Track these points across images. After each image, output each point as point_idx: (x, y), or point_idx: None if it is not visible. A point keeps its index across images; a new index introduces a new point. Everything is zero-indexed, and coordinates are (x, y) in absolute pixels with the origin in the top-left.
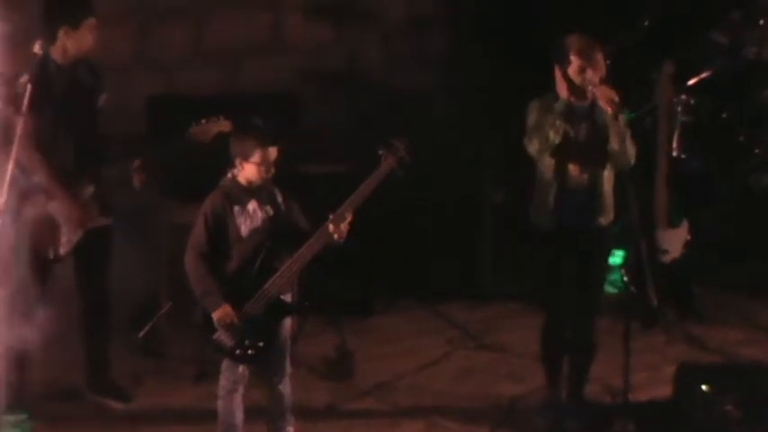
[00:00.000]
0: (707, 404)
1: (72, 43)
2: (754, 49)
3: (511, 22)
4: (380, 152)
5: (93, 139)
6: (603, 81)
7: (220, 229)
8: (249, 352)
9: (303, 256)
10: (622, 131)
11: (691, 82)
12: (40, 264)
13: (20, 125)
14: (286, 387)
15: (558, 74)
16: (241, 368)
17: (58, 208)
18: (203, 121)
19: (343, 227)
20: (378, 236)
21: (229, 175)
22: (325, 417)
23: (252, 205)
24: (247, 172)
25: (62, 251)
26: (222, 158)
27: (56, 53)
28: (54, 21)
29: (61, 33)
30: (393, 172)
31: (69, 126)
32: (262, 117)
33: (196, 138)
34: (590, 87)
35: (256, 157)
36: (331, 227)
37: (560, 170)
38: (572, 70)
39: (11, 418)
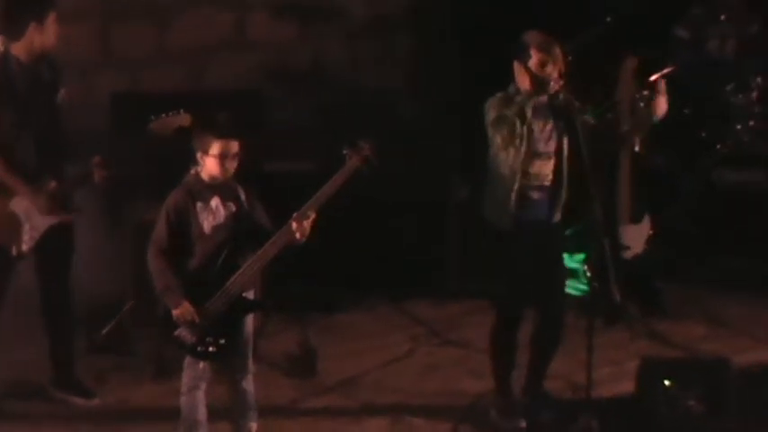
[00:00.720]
0: (669, 399)
1: (39, 39)
2: (717, 45)
3: (473, 22)
4: (345, 152)
5: (54, 135)
6: (563, 75)
7: (182, 226)
8: (210, 349)
9: (266, 254)
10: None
11: (653, 77)
12: (3, 261)
13: None
14: (249, 384)
15: (519, 69)
16: (202, 365)
17: (19, 204)
18: (163, 115)
19: (306, 226)
20: (342, 233)
21: (192, 171)
22: (289, 414)
23: (215, 202)
24: (208, 166)
25: (25, 248)
26: (186, 155)
27: (18, 50)
28: (20, 17)
29: (30, 29)
30: (358, 172)
31: (31, 123)
32: (223, 111)
33: (156, 132)
34: (551, 83)
35: (215, 149)
36: (294, 225)
37: (524, 166)
38: (533, 64)
39: None
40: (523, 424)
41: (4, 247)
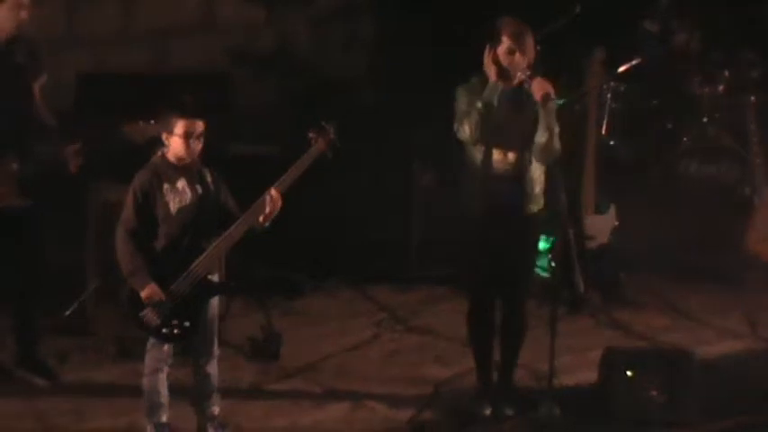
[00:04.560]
0: (631, 389)
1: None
2: (684, 38)
3: (440, 7)
4: (310, 135)
5: (22, 117)
6: (532, 67)
7: (149, 206)
8: (175, 331)
9: (231, 237)
10: (551, 124)
11: (621, 69)
12: None
13: None
14: (213, 368)
15: (487, 56)
16: (166, 347)
17: None
18: (140, 122)
19: (270, 210)
20: (306, 217)
21: (159, 153)
22: (251, 397)
23: (181, 183)
24: (174, 146)
25: None
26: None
27: None
28: None
29: None
30: (322, 155)
31: None
32: (187, 93)
33: (130, 136)
34: (518, 73)
35: (180, 128)
36: (259, 209)
37: (487, 155)
38: (501, 50)
39: None
40: (488, 411)
41: None
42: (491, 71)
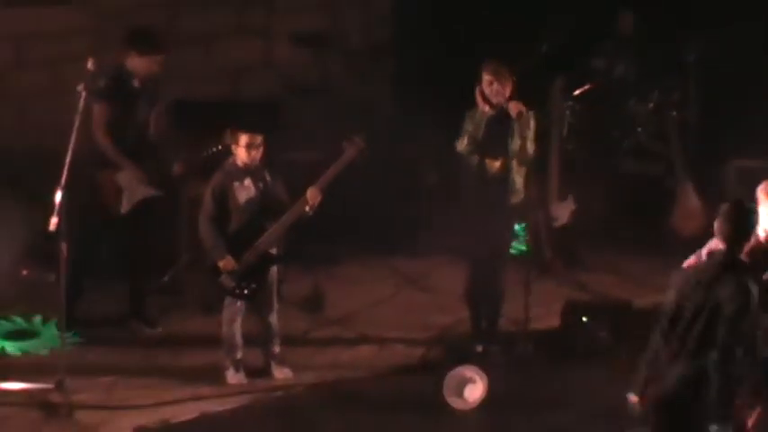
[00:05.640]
0: (586, 332)
1: (139, 65)
2: (623, 68)
3: (445, 51)
4: (343, 144)
5: (148, 134)
6: (512, 95)
7: (224, 200)
8: (245, 291)
9: (285, 221)
10: (524, 134)
11: (576, 92)
12: (108, 218)
13: (99, 114)
14: (274, 317)
15: (477, 91)
16: (239, 303)
17: (123, 177)
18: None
19: (313, 201)
20: (344, 206)
21: (230, 159)
22: (303, 340)
23: (248, 181)
24: (240, 154)
25: (123, 210)
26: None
27: (130, 66)
28: (129, 45)
29: (131, 56)
30: (353, 160)
31: (134, 123)
32: (249, 114)
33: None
34: (499, 99)
35: (243, 140)
36: (306, 200)
37: (481, 162)
38: (484, 83)
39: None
40: (479, 349)
41: (109, 208)
42: (479, 100)
